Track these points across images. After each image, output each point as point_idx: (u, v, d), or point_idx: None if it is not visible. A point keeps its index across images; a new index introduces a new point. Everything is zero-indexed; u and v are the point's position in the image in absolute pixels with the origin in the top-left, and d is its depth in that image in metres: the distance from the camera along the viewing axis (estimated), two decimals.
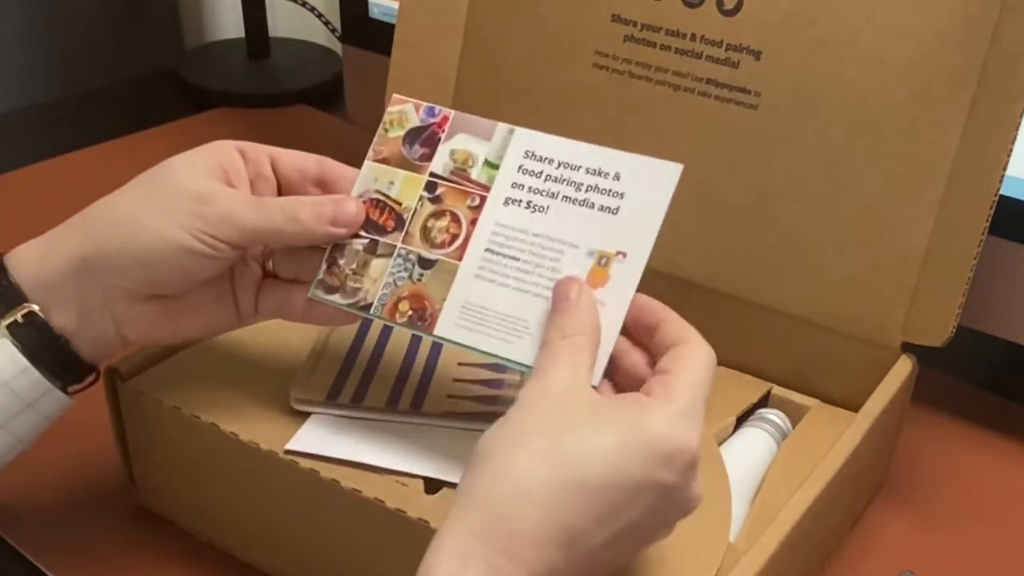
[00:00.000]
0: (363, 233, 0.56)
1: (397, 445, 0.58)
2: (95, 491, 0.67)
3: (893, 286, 0.63)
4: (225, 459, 0.59)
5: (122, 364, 0.61)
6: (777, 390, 0.68)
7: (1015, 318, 0.70)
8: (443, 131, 0.57)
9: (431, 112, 0.57)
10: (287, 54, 1.26)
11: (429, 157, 0.57)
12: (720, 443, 0.63)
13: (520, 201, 0.54)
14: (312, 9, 1.23)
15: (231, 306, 0.58)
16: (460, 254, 0.55)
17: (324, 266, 0.57)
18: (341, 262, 0.56)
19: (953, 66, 0.60)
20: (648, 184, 0.52)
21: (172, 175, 0.55)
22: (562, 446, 0.44)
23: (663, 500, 0.45)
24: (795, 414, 0.66)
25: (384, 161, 0.57)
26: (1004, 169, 0.59)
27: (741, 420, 0.66)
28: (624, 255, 0.51)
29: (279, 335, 0.63)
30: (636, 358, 0.50)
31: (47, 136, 1.14)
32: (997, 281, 0.68)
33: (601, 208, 0.52)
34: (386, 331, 0.65)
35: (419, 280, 0.55)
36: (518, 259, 0.53)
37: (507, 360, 0.52)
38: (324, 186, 0.57)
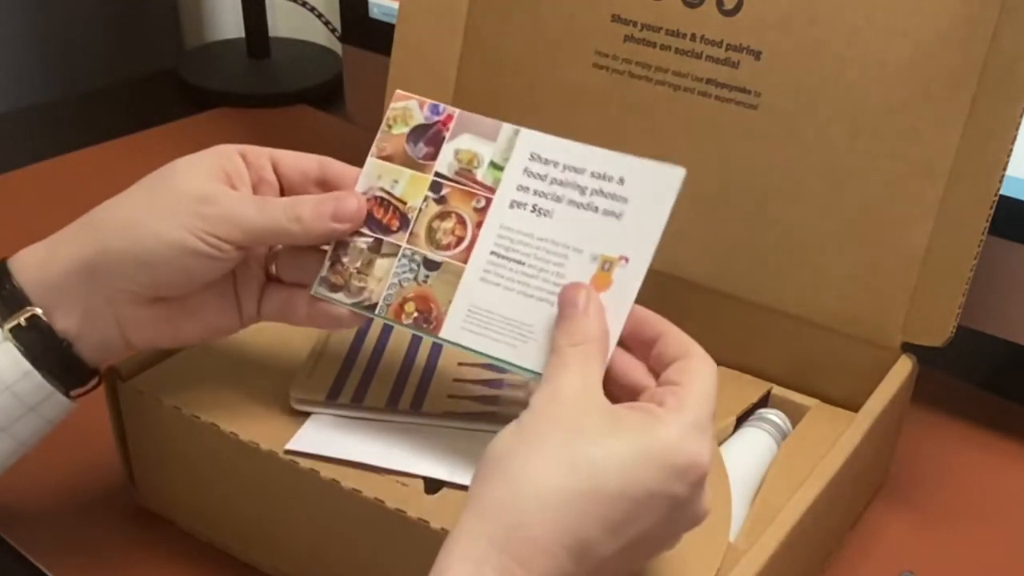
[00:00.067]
0: (367, 231, 0.56)
1: (397, 445, 0.58)
2: (95, 491, 0.67)
3: (893, 286, 0.63)
4: (225, 459, 0.59)
5: (122, 364, 0.61)
6: (777, 390, 0.68)
7: (1015, 318, 0.70)
8: (448, 130, 0.57)
9: (435, 110, 0.57)
10: (287, 54, 1.26)
11: (433, 156, 0.57)
12: (720, 443, 0.63)
13: (525, 204, 0.54)
14: (312, 9, 1.23)
15: (234, 310, 0.58)
16: (465, 256, 0.55)
17: (327, 263, 0.57)
18: (345, 260, 0.56)
19: (953, 66, 0.60)
20: (651, 188, 0.52)
21: (174, 178, 0.55)
22: (576, 454, 0.44)
23: (673, 512, 0.46)
24: (795, 414, 0.66)
25: (388, 158, 0.57)
26: (1004, 169, 0.59)
27: (741, 420, 0.66)
28: (627, 260, 0.51)
29: (279, 335, 0.63)
30: (631, 364, 0.50)
31: (47, 136, 1.14)
32: (997, 281, 0.68)
33: (605, 212, 0.52)
34: (386, 331, 0.65)
35: (424, 282, 0.55)
36: (523, 263, 0.53)
37: (512, 365, 0.52)
38: (326, 186, 0.57)
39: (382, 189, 0.57)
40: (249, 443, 0.57)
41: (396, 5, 0.77)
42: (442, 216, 0.56)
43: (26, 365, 0.54)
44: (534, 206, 0.54)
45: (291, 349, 0.63)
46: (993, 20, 0.59)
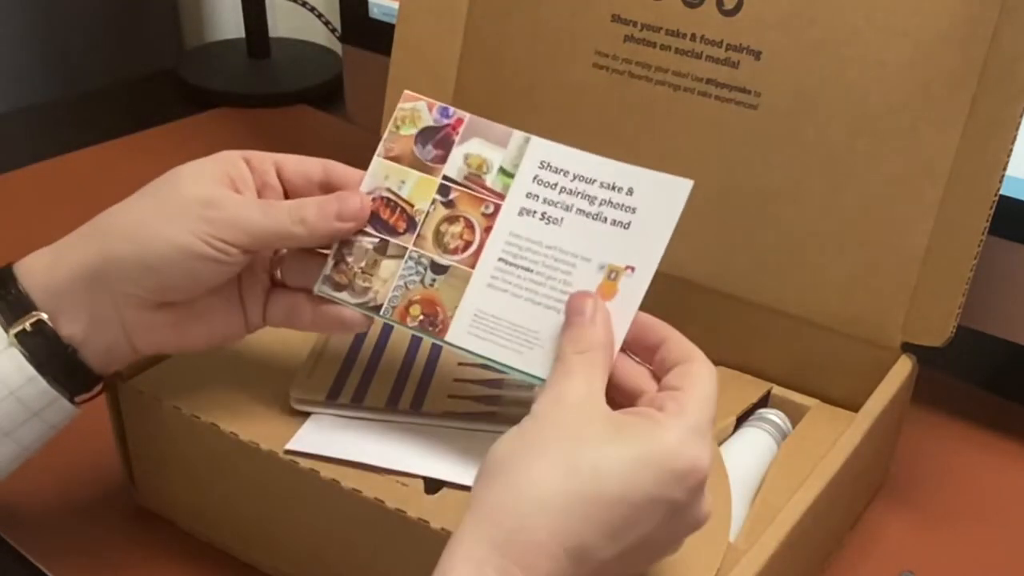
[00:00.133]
0: (373, 232, 0.56)
1: (397, 445, 0.58)
2: (95, 491, 0.67)
3: (893, 286, 0.63)
4: (225, 459, 0.59)
5: None
6: (777, 390, 0.68)
7: (1015, 318, 0.70)
8: (457, 133, 0.57)
9: (445, 113, 0.57)
10: (287, 54, 1.26)
11: (442, 159, 0.57)
12: (720, 443, 0.63)
13: (534, 212, 0.55)
14: (312, 9, 1.23)
15: (239, 315, 0.58)
16: (473, 262, 0.55)
17: (331, 262, 0.57)
18: (349, 259, 0.56)
19: (953, 66, 0.60)
20: (659, 200, 0.52)
21: (179, 183, 0.55)
22: (578, 458, 0.44)
23: (673, 517, 0.46)
24: (795, 414, 0.66)
25: (395, 159, 0.57)
26: (1004, 169, 0.59)
27: (741, 420, 0.66)
28: (632, 269, 0.51)
29: (279, 335, 0.63)
30: (633, 370, 0.51)
31: (47, 136, 1.14)
32: (997, 281, 0.68)
33: (614, 223, 0.53)
34: (386, 331, 0.65)
35: (431, 285, 0.55)
36: (531, 270, 0.54)
37: (517, 371, 0.52)
38: (329, 189, 0.57)
39: (389, 190, 0.57)
40: (249, 443, 0.57)
41: (396, 5, 0.77)
42: (450, 220, 0.56)
43: (31, 370, 0.54)
44: (543, 214, 0.54)
45: (291, 349, 0.63)
46: (993, 20, 0.59)
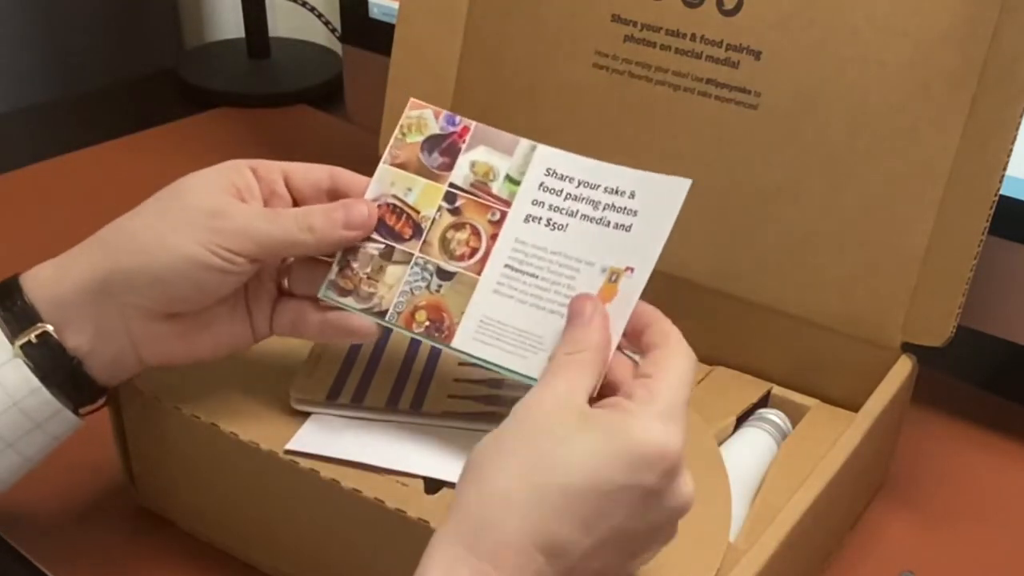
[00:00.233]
0: (378, 238, 0.57)
1: (397, 445, 0.58)
2: (95, 491, 0.67)
3: (893, 286, 0.63)
4: (225, 459, 0.59)
5: None
6: (777, 390, 0.68)
7: (1015, 318, 0.70)
8: (464, 141, 0.57)
9: (451, 121, 0.58)
10: (287, 54, 1.26)
11: (448, 167, 0.57)
12: (720, 443, 0.63)
13: (540, 219, 0.55)
14: (312, 9, 1.23)
15: (246, 325, 0.58)
16: (480, 268, 0.55)
17: (336, 268, 0.57)
18: (355, 265, 0.57)
19: (953, 66, 0.60)
20: (659, 200, 0.53)
21: (185, 193, 0.55)
22: (543, 453, 0.44)
23: (647, 503, 0.45)
24: (795, 414, 0.66)
25: (401, 166, 0.58)
26: (1004, 169, 0.59)
27: (741, 420, 0.66)
28: (632, 270, 0.52)
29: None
30: (615, 362, 0.50)
31: (47, 136, 1.14)
32: (997, 281, 0.68)
33: (616, 226, 0.53)
34: (386, 331, 0.65)
35: (437, 291, 0.55)
36: (537, 276, 0.54)
37: (522, 376, 0.53)
38: (336, 196, 0.58)
39: (395, 196, 0.57)
40: (249, 443, 0.57)
41: (396, 5, 0.77)
42: (457, 227, 0.56)
43: (35, 382, 0.54)
44: (548, 220, 0.55)
45: (291, 349, 0.63)
46: (993, 20, 0.59)
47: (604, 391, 0.49)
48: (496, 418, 0.58)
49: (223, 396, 0.60)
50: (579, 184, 0.55)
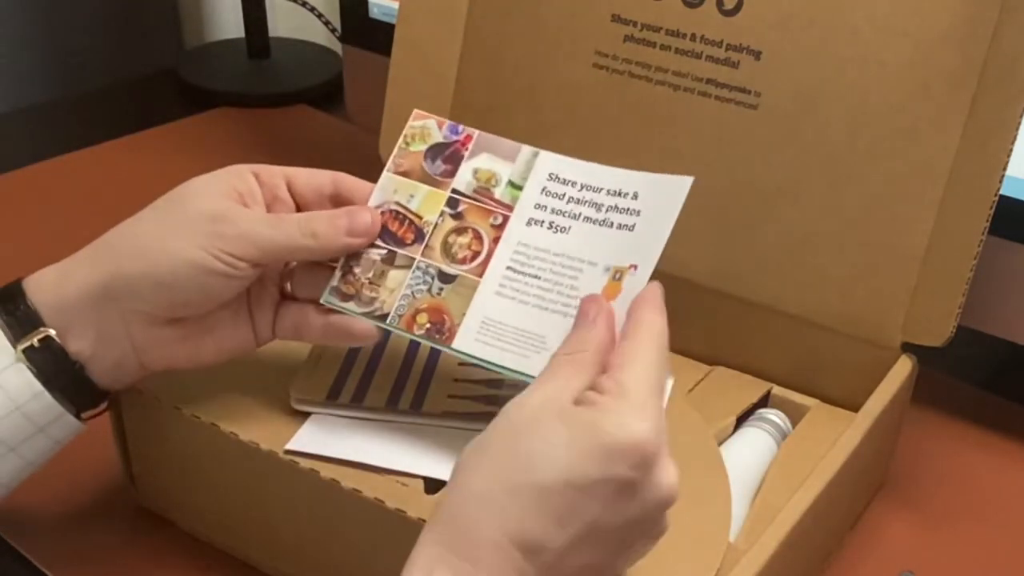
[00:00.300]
0: (380, 243, 0.57)
1: (397, 445, 0.58)
2: (95, 491, 0.67)
3: (893, 286, 0.63)
4: (225, 459, 0.59)
5: None
6: (777, 390, 0.68)
7: (1015, 318, 0.70)
8: (467, 149, 0.58)
9: (454, 130, 0.58)
10: (287, 54, 1.26)
11: (451, 174, 0.58)
12: (720, 443, 0.63)
13: (543, 222, 0.55)
14: (312, 9, 1.23)
15: (248, 328, 0.58)
16: (481, 271, 0.55)
17: (339, 274, 0.57)
18: (357, 271, 0.57)
19: (953, 66, 0.60)
20: (661, 198, 0.53)
21: (187, 199, 0.55)
22: (519, 452, 0.45)
23: (623, 496, 0.45)
24: (795, 414, 0.66)
25: (404, 174, 0.58)
26: (1004, 169, 0.59)
27: (741, 420, 0.66)
28: (635, 268, 0.52)
29: None
30: None
31: (47, 136, 1.14)
32: (997, 281, 0.68)
33: (619, 227, 0.54)
34: (386, 332, 0.65)
35: (438, 294, 0.56)
36: (539, 277, 0.54)
37: (524, 375, 0.53)
38: (339, 201, 0.58)
39: (397, 203, 0.57)
40: (249, 443, 0.57)
41: (396, 5, 0.77)
42: (459, 231, 0.56)
43: (37, 386, 0.54)
44: (551, 223, 0.55)
45: (291, 349, 0.63)
46: (993, 20, 0.59)
47: None
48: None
49: (223, 396, 0.60)
50: (582, 188, 0.55)
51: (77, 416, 0.56)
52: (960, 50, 0.60)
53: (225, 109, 1.17)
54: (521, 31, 0.72)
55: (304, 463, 0.56)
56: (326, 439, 0.58)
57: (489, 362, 0.54)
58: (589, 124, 0.70)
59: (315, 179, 0.58)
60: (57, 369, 0.55)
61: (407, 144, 0.59)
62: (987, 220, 0.60)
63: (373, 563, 0.56)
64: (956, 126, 0.60)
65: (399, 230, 0.57)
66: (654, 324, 0.48)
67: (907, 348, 0.64)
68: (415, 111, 0.60)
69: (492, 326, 0.54)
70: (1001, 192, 0.60)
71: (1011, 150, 0.59)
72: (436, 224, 0.57)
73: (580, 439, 0.44)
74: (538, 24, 0.72)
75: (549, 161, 0.57)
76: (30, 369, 0.54)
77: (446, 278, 0.56)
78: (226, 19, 1.37)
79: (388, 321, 0.56)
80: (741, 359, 0.69)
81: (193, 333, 0.56)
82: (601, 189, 0.55)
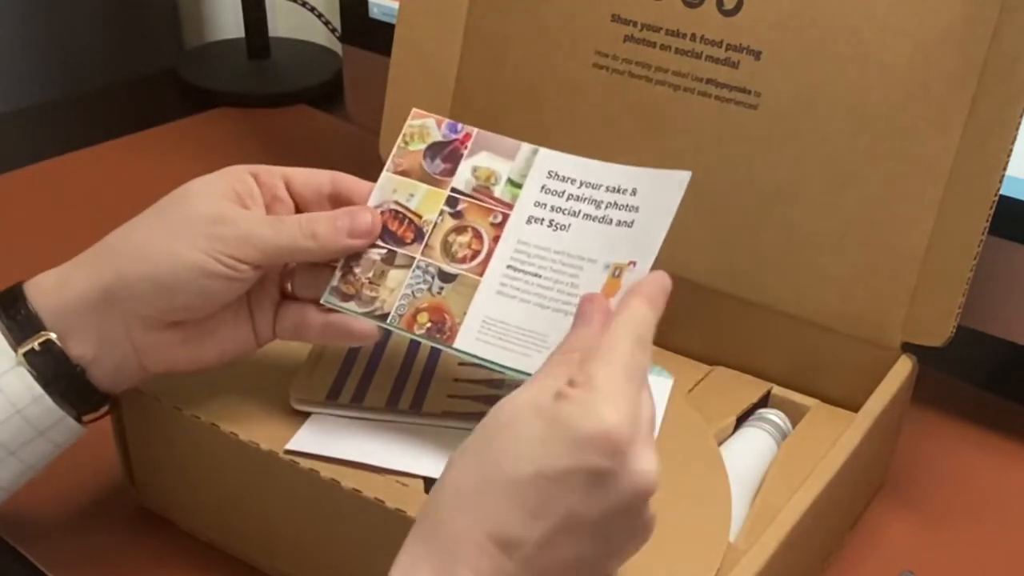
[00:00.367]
0: (380, 243, 0.57)
1: (397, 445, 0.58)
2: (95, 491, 0.67)
3: (893, 286, 0.63)
4: (225, 459, 0.59)
5: None
6: (777, 390, 0.68)
7: (1015, 318, 0.70)
8: (466, 148, 0.58)
9: (453, 128, 0.58)
10: (287, 54, 1.26)
11: (451, 172, 0.58)
12: (720, 443, 0.63)
13: (543, 220, 0.56)
14: (312, 9, 1.23)
15: (249, 329, 0.58)
16: (481, 270, 0.55)
17: (339, 274, 0.57)
18: (357, 271, 0.57)
19: (953, 66, 0.60)
20: (659, 194, 0.53)
21: (187, 201, 0.55)
22: (494, 448, 0.45)
23: (598, 486, 0.44)
24: (795, 414, 0.66)
25: (404, 173, 0.58)
26: (1004, 169, 0.59)
27: (741, 420, 0.66)
28: (635, 264, 0.52)
29: None
30: None
31: (47, 136, 1.14)
32: (997, 281, 0.68)
33: (618, 223, 0.54)
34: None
35: (439, 293, 0.56)
36: (539, 275, 0.55)
37: (524, 373, 0.53)
38: (338, 201, 0.58)
39: (397, 202, 0.57)
40: (249, 443, 0.57)
41: (396, 5, 0.77)
42: (459, 230, 0.56)
43: (38, 389, 0.54)
44: (551, 221, 0.55)
45: (291, 349, 0.63)
46: (993, 20, 0.59)
47: None
48: None
49: (223, 396, 0.60)
50: (581, 185, 0.55)
51: (78, 420, 0.56)
52: (960, 50, 0.60)
53: (225, 109, 1.17)
54: (521, 31, 0.72)
55: (304, 463, 0.56)
56: (326, 439, 0.58)
57: (491, 361, 0.54)
58: (589, 124, 0.70)
59: (314, 179, 0.58)
60: (58, 373, 0.55)
61: (406, 143, 0.59)
62: (987, 220, 0.60)
63: (373, 563, 0.56)
64: (956, 126, 0.60)
65: (399, 229, 0.57)
66: (635, 313, 0.48)
67: (907, 348, 0.64)
68: (414, 110, 0.60)
69: (493, 325, 0.54)
70: (1001, 192, 0.60)
71: (1011, 150, 0.59)
72: (436, 223, 0.57)
73: (550, 431, 0.44)
74: (538, 24, 0.72)
75: (548, 158, 0.57)
76: (31, 373, 0.54)
77: (446, 277, 0.56)
78: (226, 19, 1.37)
79: (389, 321, 0.56)
80: (741, 359, 0.69)
81: (194, 335, 0.56)
82: (600, 186, 0.55)
